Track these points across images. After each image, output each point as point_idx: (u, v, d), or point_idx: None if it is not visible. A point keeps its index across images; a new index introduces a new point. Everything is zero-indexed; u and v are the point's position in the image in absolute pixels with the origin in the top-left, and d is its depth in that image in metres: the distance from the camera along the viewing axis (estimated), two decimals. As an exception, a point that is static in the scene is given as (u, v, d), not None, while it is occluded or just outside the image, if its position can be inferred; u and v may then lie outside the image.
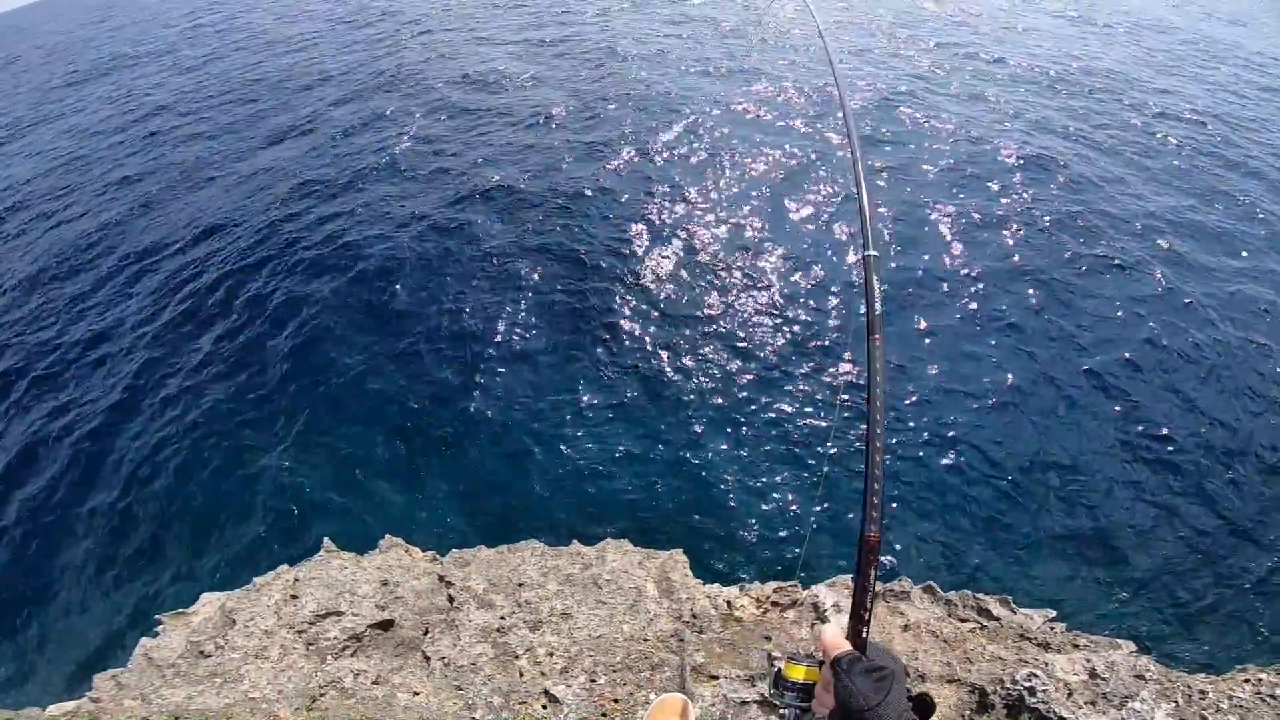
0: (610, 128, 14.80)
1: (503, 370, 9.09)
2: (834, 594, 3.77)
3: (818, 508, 7.51)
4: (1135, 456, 8.28)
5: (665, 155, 13.52)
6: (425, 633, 3.62)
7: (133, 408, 9.00)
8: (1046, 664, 3.33)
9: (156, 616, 3.52)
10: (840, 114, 3.26)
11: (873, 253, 2.19)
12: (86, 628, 6.38)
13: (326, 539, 3.93)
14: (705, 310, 9.94)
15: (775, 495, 7.63)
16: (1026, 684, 3.18)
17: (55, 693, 5.23)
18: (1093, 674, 3.24)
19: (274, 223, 12.74)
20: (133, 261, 12.27)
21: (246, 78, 22.19)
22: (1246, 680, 3.29)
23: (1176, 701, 3.06)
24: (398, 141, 15.31)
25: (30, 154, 19.16)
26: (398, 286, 10.63)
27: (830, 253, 10.94)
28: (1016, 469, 8.05)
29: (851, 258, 10.47)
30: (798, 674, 1.65)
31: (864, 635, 1.54)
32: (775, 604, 3.97)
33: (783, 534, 7.27)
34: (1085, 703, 3.13)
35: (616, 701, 3.15)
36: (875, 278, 2.13)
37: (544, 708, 3.11)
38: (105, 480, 8.01)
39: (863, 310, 2.08)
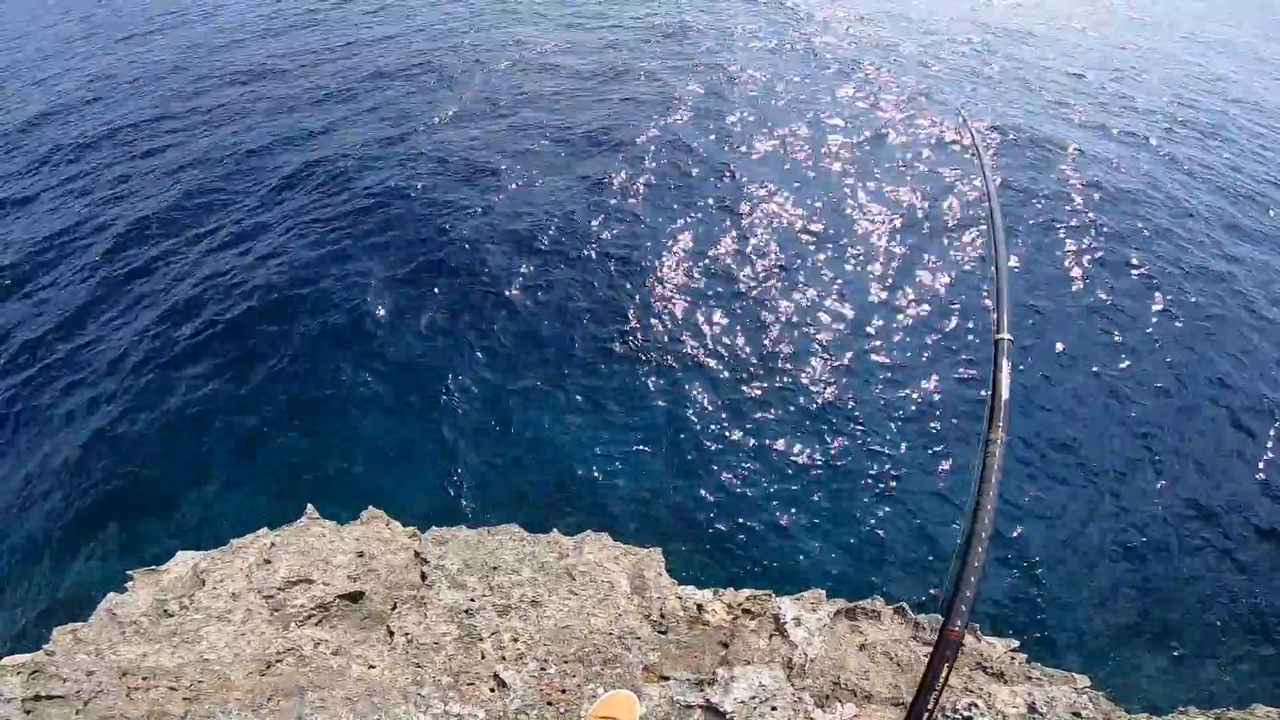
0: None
1: (507, 352, 9.11)
2: (797, 608, 3.77)
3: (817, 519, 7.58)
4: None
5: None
6: (393, 608, 3.65)
7: (129, 368, 9.00)
8: (989, 695, 3.35)
9: (128, 572, 3.54)
10: (984, 187, 3.10)
11: (1007, 337, 2.07)
12: (59, 581, 6.43)
13: (310, 506, 3.95)
14: (730, 320, 9.92)
15: (773, 506, 7.66)
16: (966, 713, 3.20)
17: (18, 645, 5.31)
18: (1031, 708, 3.26)
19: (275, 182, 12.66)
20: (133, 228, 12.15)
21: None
22: None
23: None
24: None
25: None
26: (396, 256, 10.62)
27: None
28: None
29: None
30: None
31: None
32: (746, 611, 3.98)
33: (772, 543, 7.31)
34: None
35: (564, 692, 3.17)
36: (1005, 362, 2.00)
37: (491, 690, 3.14)
38: (90, 434, 8.05)
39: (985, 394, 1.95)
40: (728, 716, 3.21)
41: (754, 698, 3.30)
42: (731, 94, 15.90)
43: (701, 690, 3.32)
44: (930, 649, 3.79)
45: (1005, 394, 1.92)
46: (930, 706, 1.58)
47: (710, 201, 12.00)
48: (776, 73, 17.11)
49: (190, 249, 11.26)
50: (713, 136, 14.07)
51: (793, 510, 7.62)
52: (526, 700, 3.13)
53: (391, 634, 3.53)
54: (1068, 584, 7.35)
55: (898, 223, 11.64)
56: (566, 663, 3.31)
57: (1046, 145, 14.52)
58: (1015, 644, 3.79)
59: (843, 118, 15.05)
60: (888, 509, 7.71)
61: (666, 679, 3.42)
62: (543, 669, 3.25)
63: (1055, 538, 7.73)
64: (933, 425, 8.55)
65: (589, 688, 3.22)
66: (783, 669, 3.48)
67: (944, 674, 1.60)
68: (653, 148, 13.43)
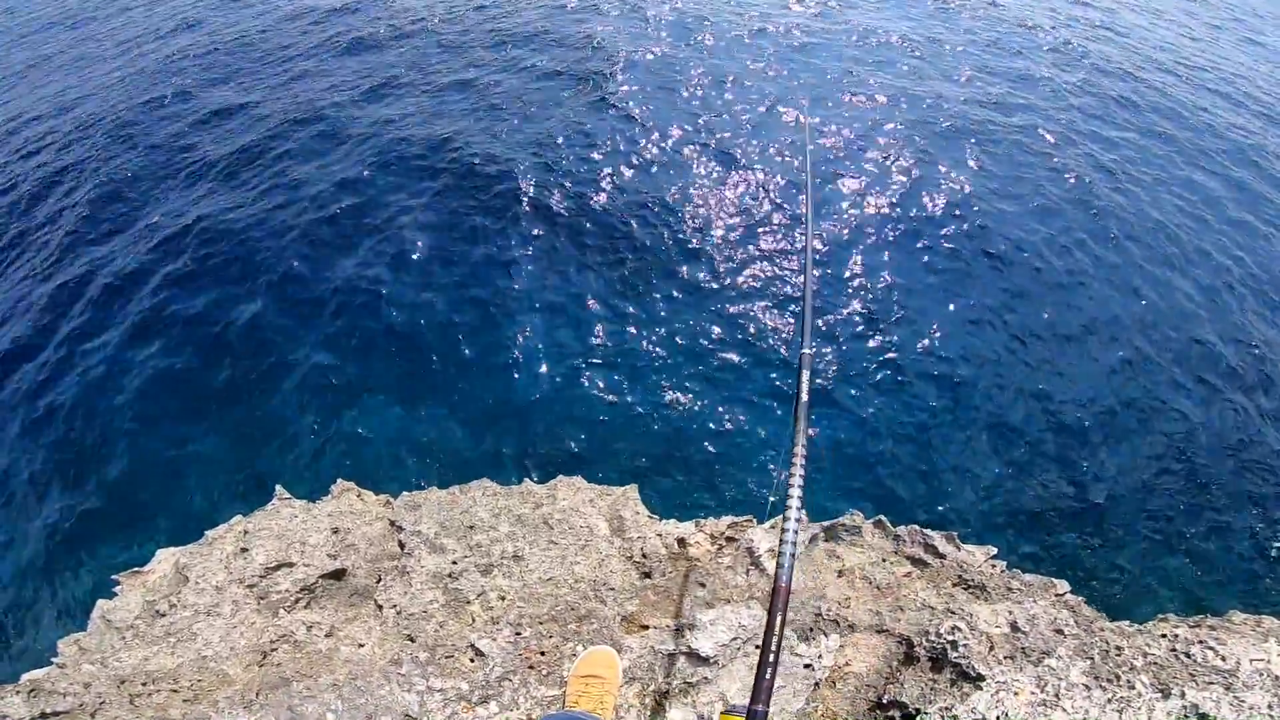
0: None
1: (457, 302, 8.93)
2: (770, 539, 3.78)
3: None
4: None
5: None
6: (378, 580, 3.71)
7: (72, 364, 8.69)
8: (970, 615, 3.36)
9: (114, 577, 3.61)
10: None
11: (808, 351, 2.33)
12: (47, 592, 6.60)
13: (279, 487, 3.95)
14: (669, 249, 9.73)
15: (743, 427, 7.73)
16: (950, 637, 3.23)
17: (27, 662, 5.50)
18: (1014, 627, 3.27)
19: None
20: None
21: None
22: (1164, 635, 3.32)
23: (1092, 658, 3.10)
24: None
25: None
26: (343, 214, 10.21)
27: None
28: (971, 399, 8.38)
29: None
30: None
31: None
32: (730, 539, 4.00)
33: (750, 464, 7.36)
34: (1004, 658, 3.18)
35: (543, 654, 3.25)
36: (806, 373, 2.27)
37: (471, 661, 3.23)
38: (49, 436, 7.91)
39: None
40: (710, 661, 3.28)
41: (734, 639, 3.36)
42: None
43: (681, 636, 3.38)
44: (908, 564, 3.82)
45: (805, 397, 2.25)
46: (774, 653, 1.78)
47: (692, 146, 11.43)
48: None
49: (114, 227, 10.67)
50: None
51: (760, 431, 7.73)
52: (507, 667, 3.21)
53: (380, 608, 3.60)
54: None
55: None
56: (542, 624, 3.37)
57: None
58: (993, 550, 3.80)
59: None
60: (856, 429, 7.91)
61: (646, 628, 3.49)
62: (518, 634, 3.31)
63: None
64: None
65: (567, 647, 3.30)
66: (762, 606, 3.51)
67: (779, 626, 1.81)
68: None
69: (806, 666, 3.36)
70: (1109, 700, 2.93)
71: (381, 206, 10.23)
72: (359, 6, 17.08)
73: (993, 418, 8.12)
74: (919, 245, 9.99)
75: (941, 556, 3.76)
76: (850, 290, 9.26)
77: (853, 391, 8.16)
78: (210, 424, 7.71)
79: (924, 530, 3.88)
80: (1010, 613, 3.36)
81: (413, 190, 10.49)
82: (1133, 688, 2.98)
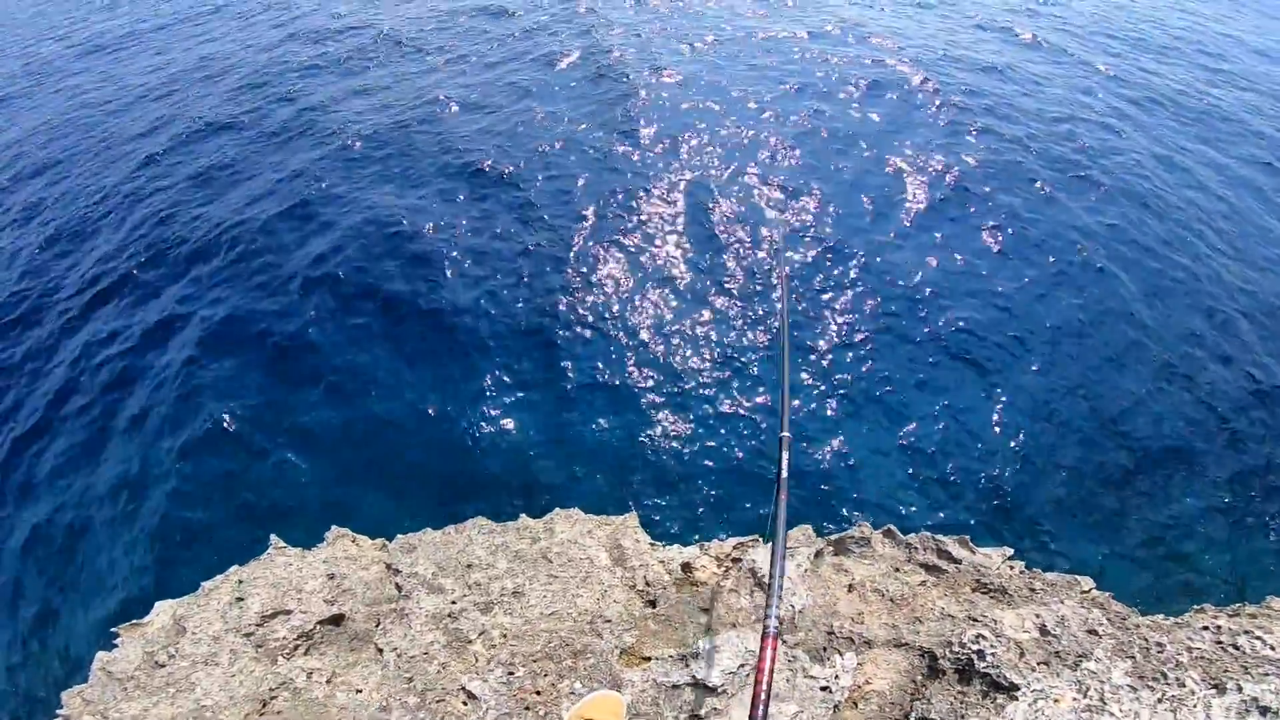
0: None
1: (438, 347, 8.97)
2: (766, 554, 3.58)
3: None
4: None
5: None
6: (377, 624, 3.62)
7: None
8: (994, 621, 3.10)
9: (113, 629, 3.62)
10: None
11: (786, 435, 2.45)
12: (49, 647, 6.70)
13: (274, 536, 3.94)
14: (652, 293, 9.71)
15: (735, 449, 7.62)
16: (975, 646, 2.98)
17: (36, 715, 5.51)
18: (1043, 630, 3.01)
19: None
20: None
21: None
22: (1205, 627, 3.01)
23: (1134, 657, 2.82)
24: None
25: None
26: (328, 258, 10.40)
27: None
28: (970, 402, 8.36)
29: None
30: None
31: None
32: (736, 560, 3.81)
33: (746, 487, 7.21)
34: (1038, 664, 2.91)
35: (538, 694, 3.08)
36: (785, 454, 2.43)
37: (464, 704, 3.08)
38: (43, 499, 7.97)
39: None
40: (718, 691, 3.07)
41: (743, 665, 3.16)
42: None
43: (686, 665, 3.20)
44: (922, 572, 3.55)
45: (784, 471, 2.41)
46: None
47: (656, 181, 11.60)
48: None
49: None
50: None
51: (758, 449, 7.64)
52: (501, 709, 3.06)
53: (380, 651, 3.50)
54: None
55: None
56: (535, 662, 3.21)
57: None
58: (1009, 551, 3.52)
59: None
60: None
61: (648, 659, 3.30)
62: (511, 673, 3.16)
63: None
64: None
65: (564, 684, 3.13)
66: None
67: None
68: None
69: (823, 689, 3.12)
70: (1159, 700, 2.66)
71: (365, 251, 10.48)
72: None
73: (981, 421, 8.11)
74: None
75: (956, 562, 3.51)
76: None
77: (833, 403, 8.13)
78: (209, 479, 7.77)
79: (935, 536, 3.64)
80: (1037, 616, 3.09)
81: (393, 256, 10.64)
82: (1183, 685, 2.70)
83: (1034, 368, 8.67)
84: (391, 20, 19.09)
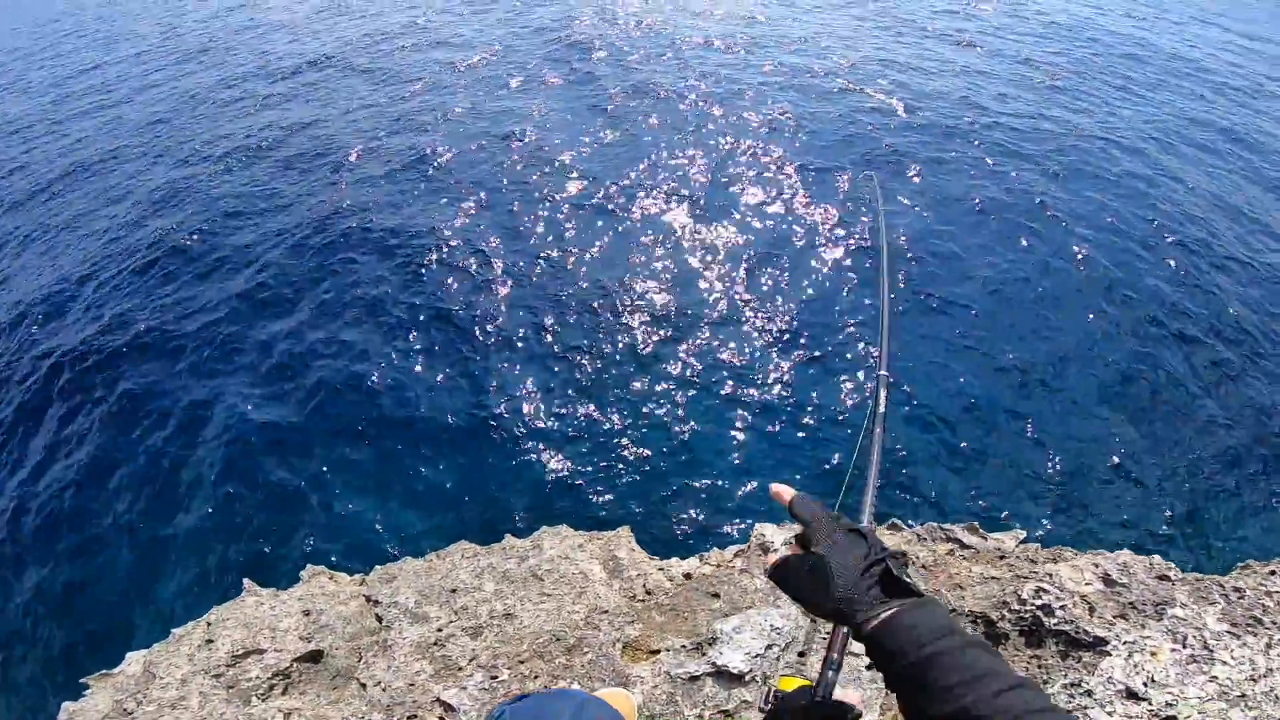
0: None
1: (416, 368, 8.78)
2: (785, 532, 3.43)
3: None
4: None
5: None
6: (359, 659, 3.37)
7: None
8: (1049, 575, 2.93)
9: (82, 680, 3.35)
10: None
11: (884, 373, 2.28)
12: (14, 699, 6.20)
13: (246, 579, 3.71)
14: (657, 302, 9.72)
15: (734, 465, 7.47)
16: (1038, 601, 2.79)
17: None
18: (1108, 580, 2.84)
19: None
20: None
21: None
22: (1273, 572, 2.86)
23: (1219, 603, 2.64)
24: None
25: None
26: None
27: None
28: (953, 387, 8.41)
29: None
30: (790, 685, 1.51)
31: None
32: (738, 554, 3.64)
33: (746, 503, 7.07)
34: (1115, 616, 2.73)
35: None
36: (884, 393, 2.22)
37: (440, 719, 2.82)
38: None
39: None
40: (745, 678, 2.83)
41: (770, 646, 2.93)
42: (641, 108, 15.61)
43: (703, 654, 2.96)
44: (947, 544, 3.40)
45: (883, 407, 2.20)
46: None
47: (614, 213, 11.74)
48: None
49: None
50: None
51: (745, 459, 7.54)
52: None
53: (364, 686, 3.25)
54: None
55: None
56: (523, 662, 2.99)
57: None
58: (1022, 534, 3.40)
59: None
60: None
61: (656, 652, 3.08)
62: (493, 678, 2.92)
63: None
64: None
65: (559, 685, 2.89)
66: (792, 605, 3.11)
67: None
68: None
69: (870, 667, 2.90)
70: (1268, 646, 2.44)
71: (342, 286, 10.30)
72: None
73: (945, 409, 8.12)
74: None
75: (969, 547, 3.35)
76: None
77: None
78: (178, 526, 7.34)
79: (942, 526, 3.50)
80: (1096, 565, 2.93)
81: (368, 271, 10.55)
82: (1285, 630, 2.52)
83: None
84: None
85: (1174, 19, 24.12)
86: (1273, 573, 2.89)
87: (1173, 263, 10.28)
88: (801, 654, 2.96)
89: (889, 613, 1.08)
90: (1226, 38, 22.35)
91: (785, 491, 1.33)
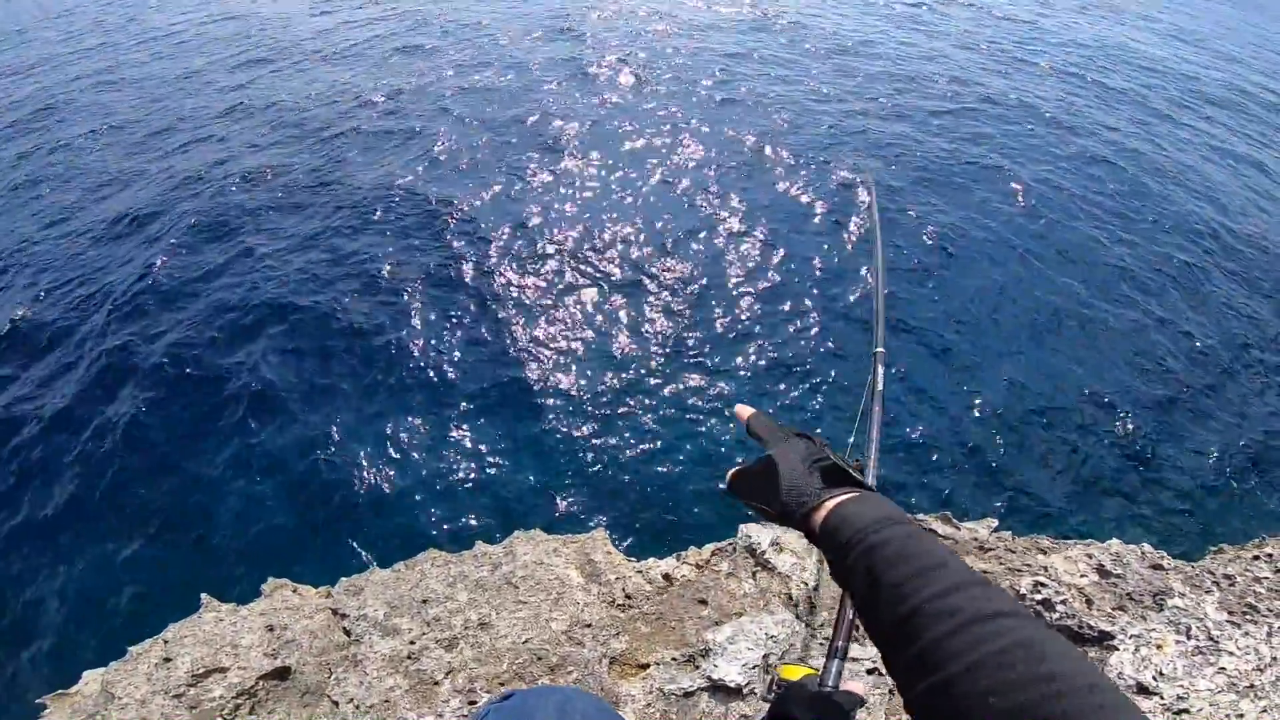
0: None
1: (363, 385, 8.51)
2: (770, 531, 3.35)
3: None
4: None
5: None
6: (330, 674, 3.23)
7: None
8: (1044, 569, 2.88)
9: (39, 700, 3.17)
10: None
11: (880, 350, 2.28)
12: None
13: (204, 595, 3.54)
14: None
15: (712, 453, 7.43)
16: (1038, 596, 2.73)
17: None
18: (1102, 571, 2.80)
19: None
20: None
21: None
22: (1256, 558, 2.85)
23: (1214, 591, 2.61)
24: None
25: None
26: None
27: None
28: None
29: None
30: (794, 673, 1.50)
31: None
32: (719, 552, 3.56)
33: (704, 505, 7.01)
34: (1113, 609, 2.68)
35: None
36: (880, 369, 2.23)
37: (409, 754, 2.70)
38: None
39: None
40: (743, 691, 2.73)
41: (767, 655, 2.84)
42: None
43: (696, 666, 2.87)
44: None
45: (880, 386, 2.19)
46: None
47: (584, 199, 11.74)
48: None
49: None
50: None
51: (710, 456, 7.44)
52: (458, 748, 2.70)
53: (336, 704, 3.11)
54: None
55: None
56: (502, 684, 2.87)
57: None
58: (994, 523, 3.36)
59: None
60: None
61: (646, 666, 2.98)
62: (471, 702, 2.81)
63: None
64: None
65: (543, 704, 2.78)
66: (787, 609, 3.03)
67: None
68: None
69: (870, 671, 2.83)
70: (1269, 635, 2.41)
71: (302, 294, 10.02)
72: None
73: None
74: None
75: (946, 539, 3.31)
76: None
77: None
78: (134, 541, 7.01)
79: (915, 518, 3.44)
80: (1089, 556, 2.89)
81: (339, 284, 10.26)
82: (1280, 616, 2.50)
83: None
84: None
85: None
86: (1256, 558, 2.89)
87: (1171, 252, 10.62)
88: (801, 659, 2.89)
89: (833, 502, 1.06)
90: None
91: (744, 410, 1.38)
